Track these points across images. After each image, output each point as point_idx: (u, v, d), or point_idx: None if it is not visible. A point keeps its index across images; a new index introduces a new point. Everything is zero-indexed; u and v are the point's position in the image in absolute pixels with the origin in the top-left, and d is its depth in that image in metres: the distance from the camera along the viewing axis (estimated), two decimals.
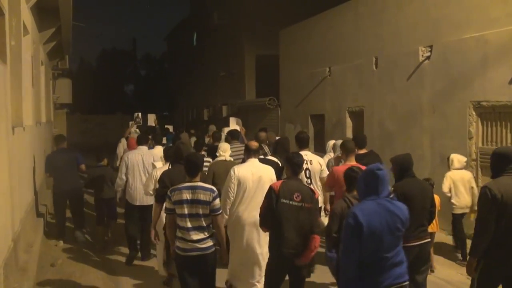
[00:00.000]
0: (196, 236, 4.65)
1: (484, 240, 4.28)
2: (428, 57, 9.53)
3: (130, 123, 12.28)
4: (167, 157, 6.74)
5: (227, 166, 6.54)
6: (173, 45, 36.53)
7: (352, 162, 6.31)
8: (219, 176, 6.72)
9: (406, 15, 10.20)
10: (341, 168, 6.09)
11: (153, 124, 12.76)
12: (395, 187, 4.94)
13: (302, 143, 6.92)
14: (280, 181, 4.99)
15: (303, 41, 14.86)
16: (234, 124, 11.09)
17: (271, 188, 4.88)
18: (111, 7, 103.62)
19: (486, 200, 4.28)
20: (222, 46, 22.63)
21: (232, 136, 9.00)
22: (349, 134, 12.36)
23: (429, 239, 5.11)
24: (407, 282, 3.85)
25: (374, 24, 11.26)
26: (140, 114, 12.75)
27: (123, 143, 11.01)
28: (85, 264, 7.48)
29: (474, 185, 7.47)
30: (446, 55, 9.08)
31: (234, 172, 5.79)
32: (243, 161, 6.48)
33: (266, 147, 8.81)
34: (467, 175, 7.47)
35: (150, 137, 9.45)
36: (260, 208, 4.98)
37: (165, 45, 41.75)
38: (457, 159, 7.45)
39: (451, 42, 8.97)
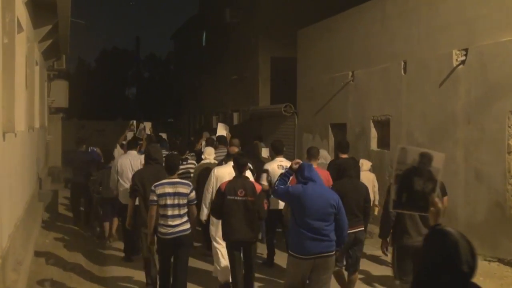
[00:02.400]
0: (175, 222, 6.33)
1: (385, 224, 6.22)
2: (463, 62, 9.50)
3: (132, 131, 13.59)
4: None
5: (210, 168, 8.15)
6: (180, 45, 36.80)
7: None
8: (203, 178, 8.20)
9: (439, 15, 10.18)
10: None
11: (148, 132, 13.79)
12: (333, 185, 6.72)
13: (277, 150, 8.66)
14: (227, 181, 6.61)
15: (324, 42, 14.90)
16: (222, 130, 12.91)
17: (219, 187, 6.60)
18: (112, 2, 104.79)
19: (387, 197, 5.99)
20: (234, 47, 22.75)
21: (220, 142, 10.88)
22: (374, 145, 12.34)
23: (363, 228, 6.79)
24: (332, 253, 5.55)
25: (403, 25, 11.26)
26: (135, 122, 14.39)
27: (118, 149, 12.38)
28: (77, 284, 7.52)
29: (376, 183, 9.74)
30: (483, 60, 9.05)
31: (213, 172, 7.53)
32: (224, 162, 8.14)
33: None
34: (372, 176, 9.81)
35: (141, 143, 10.97)
36: (212, 203, 6.83)
37: (171, 44, 42.16)
38: (366, 163, 9.91)
39: (488, 46, 8.94)
